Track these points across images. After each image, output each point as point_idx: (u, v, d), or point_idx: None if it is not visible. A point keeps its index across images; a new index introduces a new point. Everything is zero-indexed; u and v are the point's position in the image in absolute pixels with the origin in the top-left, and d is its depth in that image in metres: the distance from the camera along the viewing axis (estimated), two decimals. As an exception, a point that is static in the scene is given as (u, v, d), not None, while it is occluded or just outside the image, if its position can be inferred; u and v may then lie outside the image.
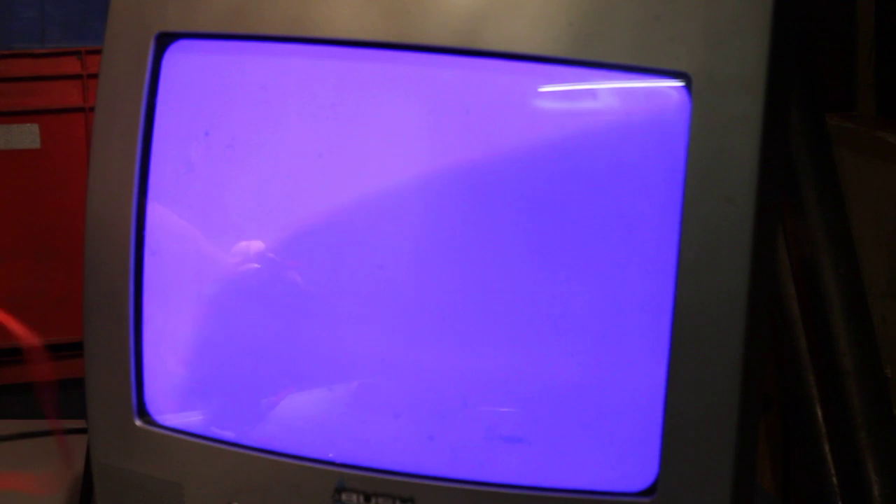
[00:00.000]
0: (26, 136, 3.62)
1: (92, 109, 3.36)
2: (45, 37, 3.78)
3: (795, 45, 0.96)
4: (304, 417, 1.05)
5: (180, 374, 1.08)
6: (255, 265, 1.05)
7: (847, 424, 1.22)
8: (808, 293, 1.25)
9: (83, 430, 1.12)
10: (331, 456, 1.03)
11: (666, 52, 0.93)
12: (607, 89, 0.97)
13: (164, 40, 1.04)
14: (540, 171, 0.98)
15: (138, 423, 1.07)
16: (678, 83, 0.94)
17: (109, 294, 1.06)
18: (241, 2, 1.02)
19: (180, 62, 1.05)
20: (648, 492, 0.96)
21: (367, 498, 1.01)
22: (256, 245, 1.05)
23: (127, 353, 1.06)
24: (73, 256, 3.53)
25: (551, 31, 0.95)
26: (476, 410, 1.00)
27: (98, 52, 1.08)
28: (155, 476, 1.07)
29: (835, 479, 1.24)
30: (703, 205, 0.93)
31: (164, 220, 1.06)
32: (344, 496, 1.01)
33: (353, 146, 1.02)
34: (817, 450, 1.26)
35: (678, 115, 0.93)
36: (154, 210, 1.06)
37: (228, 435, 1.06)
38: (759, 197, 0.92)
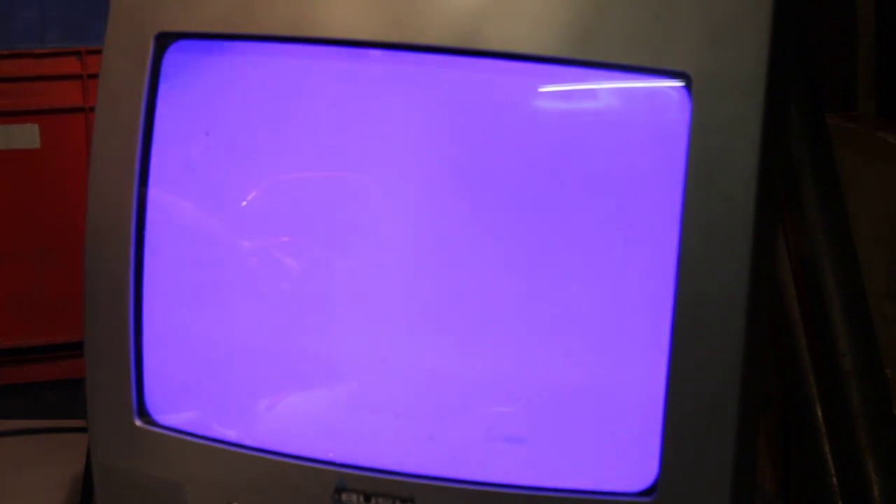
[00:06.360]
0: (26, 136, 3.63)
1: (92, 109, 3.37)
2: (45, 37, 3.79)
3: (795, 45, 0.96)
4: (304, 417, 1.05)
5: (181, 373, 1.08)
6: (256, 265, 1.05)
7: (847, 424, 1.22)
8: (808, 293, 1.25)
9: (83, 430, 1.12)
10: (331, 456, 1.03)
11: (666, 52, 0.93)
12: (607, 89, 0.97)
13: (164, 40, 1.04)
14: (540, 171, 0.98)
15: (138, 423, 1.07)
16: (678, 83, 0.94)
17: (109, 294, 1.06)
18: (242, 2, 1.02)
19: (180, 62, 1.05)
20: (648, 492, 0.96)
21: (367, 498, 1.01)
22: (256, 245, 1.05)
23: (127, 353, 1.06)
24: (73, 256, 3.53)
25: (551, 31, 0.95)
26: (476, 410, 1.00)
27: (98, 52, 1.08)
28: (155, 476, 1.07)
29: (835, 479, 1.24)
30: (703, 205, 0.93)
31: (165, 219, 1.06)
32: (344, 496, 1.01)
33: (353, 146, 1.02)
34: (817, 450, 1.25)
35: (678, 115, 0.94)
36: (154, 210, 1.06)
37: (229, 435, 1.06)
38: (759, 197, 0.92)
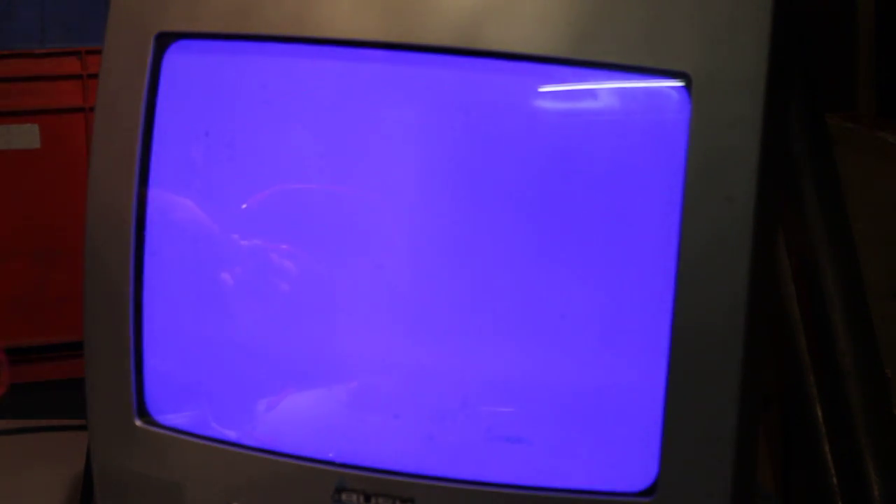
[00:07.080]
0: (26, 136, 3.63)
1: (92, 109, 3.37)
2: (45, 37, 3.79)
3: (795, 45, 0.96)
4: (304, 417, 1.05)
5: (180, 373, 1.08)
6: (256, 265, 1.05)
7: (847, 424, 1.22)
8: (808, 293, 1.25)
9: (83, 428, 1.12)
10: (331, 456, 1.03)
11: (666, 52, 0.93)
12: (607, 89, 0.97)
13: (164, 40, 1.04)
14: (540, 172, 0.98)
15: (138, 423, 1.07)
16: (678, 83, 0.94)
17: (109, 294, 1.06)
18: (241, 2, 1.02)
19: (180, 62, 1.05)
20: (648, 492, 0.96)
21: (367, 498, 1.01)
22: (256, 245, 1.05)
23: (127, 353, 1.06)
24: (73, 256, 3.53)
25: (551, 31, 0.95)
26: (476, 410, 1.00)
27: (98, 52, 1.08)
28: (155, 476, 1.07)
29: (835, 479, 1.24)
30: (703, 205, 0.93)
31: (165, 219, 1.06)
32: (344, 496, 1.01)
33: (353, 146, 1.02)
34: (817, 450, 1.25)
35: (678, 115, 0.94)
36: (154, 210, 1.06)
37: (228, 435, 1.06)
38: (759, 197, 0.92)
